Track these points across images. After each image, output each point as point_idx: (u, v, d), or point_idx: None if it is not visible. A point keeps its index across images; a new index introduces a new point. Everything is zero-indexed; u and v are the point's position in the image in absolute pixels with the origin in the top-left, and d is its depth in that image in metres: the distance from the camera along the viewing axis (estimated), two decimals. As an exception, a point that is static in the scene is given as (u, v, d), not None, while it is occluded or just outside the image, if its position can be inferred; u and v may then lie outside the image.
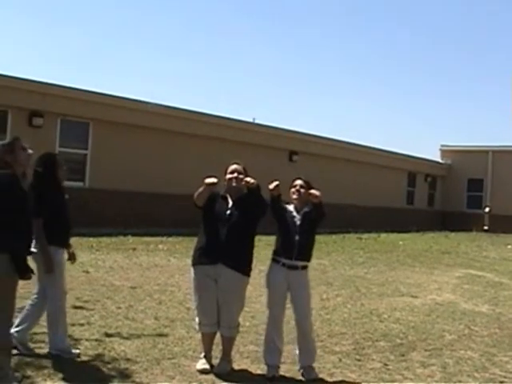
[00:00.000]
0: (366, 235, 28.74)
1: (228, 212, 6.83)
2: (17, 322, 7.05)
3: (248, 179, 6.71)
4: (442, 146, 46.31)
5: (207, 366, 6.83)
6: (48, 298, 7.12)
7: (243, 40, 74.11)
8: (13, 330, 6.86)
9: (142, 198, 24.27)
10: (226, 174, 6.99)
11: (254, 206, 6.81)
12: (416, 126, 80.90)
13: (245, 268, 6.87)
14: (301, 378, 6.84)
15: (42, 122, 21.64)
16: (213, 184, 6.69)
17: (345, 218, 31.97)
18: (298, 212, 6.99)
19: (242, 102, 77.09)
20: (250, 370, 7.02)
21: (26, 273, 5.80)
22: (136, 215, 23.67)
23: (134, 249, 17.50)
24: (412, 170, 41.93)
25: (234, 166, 7.00)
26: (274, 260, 7.01)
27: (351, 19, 78.32)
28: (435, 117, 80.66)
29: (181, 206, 24.04)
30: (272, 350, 6.93)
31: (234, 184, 6.90)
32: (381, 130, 77.12)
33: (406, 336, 9.02)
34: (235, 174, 6.90)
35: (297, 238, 6.87)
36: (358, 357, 7.71)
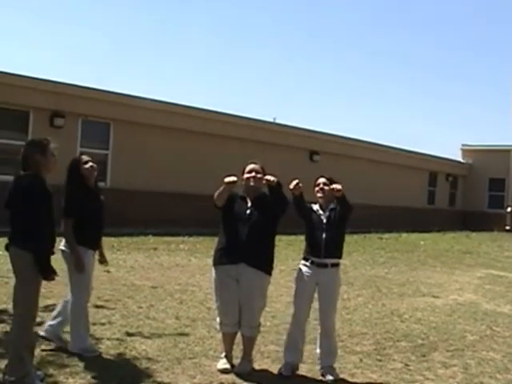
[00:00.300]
0: (387, 235, 28.66)
1: (248, 212, 6.83)
2: (52, 316, 7.24)
3: (268, 177, 6.70)
4: (463, 145, 46.10)
5: (228, 366, 6.84)
6: (72, 297, 7.17)
7: (265, 40, 74.16)
8: (48, 324, 7.16)
9: (163, 197, 24.34)
10: (243, 173, 6.99)
11: (275, 204, 6.80)
12: (437, 126, 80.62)
13: (267, 267, 6.88)
14: (321, 378, 6.83)
15: (63, 122, 21.77)
16: (233, 182, 6.67)
17: (366, 217, 31.89)
18: (323, 210, 6.99)
19: (262, 101, 77.16)
20: (270, 369, 7.02)
21: (49, 274, 5.84)
22: (157, 215, 23.74)
23: (155, 248, 17.56)
24: (433, 170, 41.72)
25: (251, 166, 7.01)
26: (304, 258, 7.02)
27: (372, 19, 78.15)
28: (456, 116, 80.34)
29: (202, 205, 24.03)
30: (293, 348, 6.94)
31: (251, 183, 6.89)
32: (401, 129, 76.93)
33: (428, 336, 8.99)
34: (253, 174, 6.90)
35: (324, 235, 6.86)
36: (379, 357, 7.69)
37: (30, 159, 5.94)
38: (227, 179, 6.66)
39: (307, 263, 6.95)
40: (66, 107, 21.90)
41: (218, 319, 7.04)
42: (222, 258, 6.86)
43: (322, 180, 7.04)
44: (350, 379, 6.84)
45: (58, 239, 6.26)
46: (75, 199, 7.11)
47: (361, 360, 7.53)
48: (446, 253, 22.63)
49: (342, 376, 6.90)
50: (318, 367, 6.94)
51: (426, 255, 21.34)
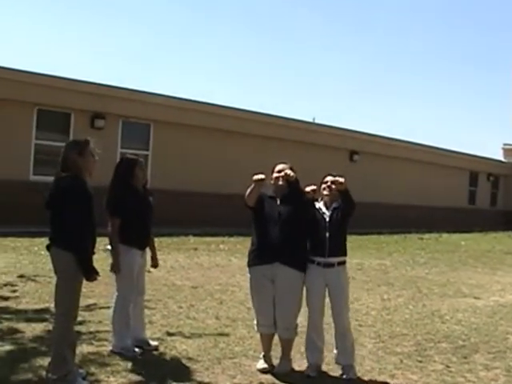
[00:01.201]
0: (427, 235, 28.45)
1: (278, 211, 6.83)
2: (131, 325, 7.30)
3: (288, 171, 6.72)
4: (505, 144, 45.56)
5: (267, 366, 6.86)
6: (116, 296, 7.26)
7: (304, 40, 74.03)
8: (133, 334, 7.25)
9: (203, 198, 24.46)
10: (272, 173, 7.01)
11: (298, 201, 6.82)
12: (478, 125, 79.85)
13: (301, 264, 6.87)
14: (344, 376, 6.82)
15: (104, 123, 21.99)
16: (261, 180, 6.67)
17: (406, 218, 31.76)
18: (327, 208, 6.96)
19: (301, 101, 77.09)
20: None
21: (91, 274, 5.89)
22: (197, 215, 23.85)
23: (196, 249, 17.65)
24: (474, 170, 41.35)
25: (280, 165, 7.02)
26: (308, 260, 6.96)
27: (412, 17, 77.63)
28: (498, 115, 79.53)
29: (242, 205, 24.10)
30: (312, 348, 6.93)
31: (280, 182, 6.88)
32: (441, 129, 76.33)
33: (469, 338, 8.90)
34: (282, 173, 6.86)
35: (327, 234, 6.83)
36: (419, 358, 7.63)
37: (68, 160, 5.99)
38: (255, 177, 6.69)
39: (314, 264, 6.91)
40: (106, 108, 22.11)
41: (255, 320, 7.07)
42: (256, 259, 6.89)
43: (329, 178, 6.95)
44: (390, 380, 6.80)
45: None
46: (122, 199, 7.19)
47: (401, 361, 7.48)
48: (487, 253, 22.39)
49: (382, 377, 6.87)
50: (337, 366, 6.93)
51: (467, 256, 21.14)
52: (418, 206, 34.25)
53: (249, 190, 6.80)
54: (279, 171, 6.94)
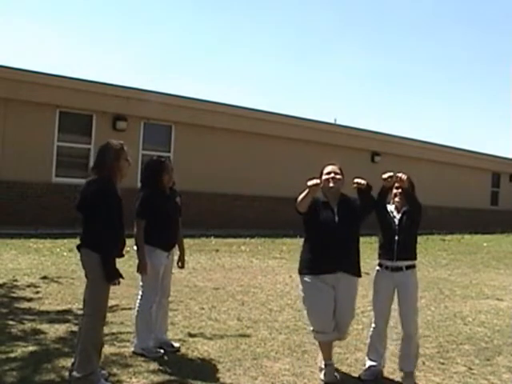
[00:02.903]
0: (449, 237, 28.33)
1: (336, 219, 6.66)
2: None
3: (359, 180, 6.61)
4: (528, 145, 45.21)
5: (336, 376, 6.71)
6: (140, 297, 7.31)
7: (330, 43, 73.98)
8: (155, 335, 7.28)
9: (225, 199, 24.51)
10: (321, 175, 6.81)
11: (363, 207, 6.71)
12: (500, 126, 79.42)
13: (359, 270, 6.81)
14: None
15: (126, 125, 22.08)
16: (316, 185, 6.44)
17: (428, 219, 31.37)
18: (398, 212, 6.92)
19: (323, 102, 77.04)
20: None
21: (112, 277, 5.91)
22: (219, 216, 23.90)
23: (217, 250, 17.68)
24: (496, 171, 41.08)
25: (330, 167, 6.86)
26: (378, 264, 6.95)
27: (433, 19, 77.35)
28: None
29: (264, 207, 24.24)
30: (373, 352, 6.91)
31: (331, 184, 6.71)
32: (464, 130, 76.00)
33: (492, 340, 8.85)
34: (332, 175, 6.74)
35: (396, 237, 6.79)
36: (441, 360, 7.60)
37: (105, 164, 6.02)
38: (310, 182, 6.43)
39: (382, 268, 6.89)
40: (128, 111, 22.21)
41: (310, 328, 6.87)
42: (317, 268, 6.64)
43: (399, 191, 6.88)
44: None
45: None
46: (149, 202, 7.24)
47: (423, 363, 7.44)
48: (510, 255, 22.23)
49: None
50: (398, 371, 6.86)
51: (490, 257, 21.02)
52: (440, 207, 34.10)
53: (302, 196, 6.56)
54: (329, 173, 6.79)
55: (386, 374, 6.98)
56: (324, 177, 6.76)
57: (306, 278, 6.70)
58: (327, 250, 6.60)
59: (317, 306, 6.67)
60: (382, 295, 6.88)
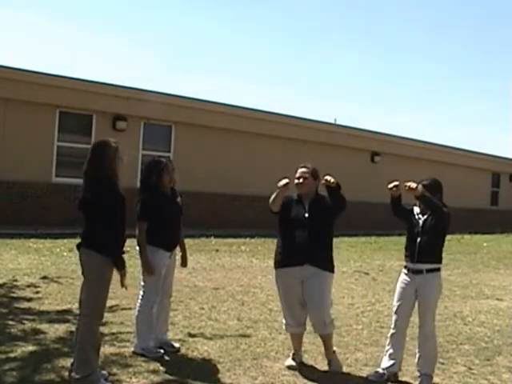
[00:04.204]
0: (449, 236, 27.90)
1: (306, 215, 6.86)
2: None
3: (328, 178, 6.69)
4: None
5: (294, 364, 6.96)
6: (141, 297, 7.31)
7: (330, 42, 74.00)
8: (155, 335, 7.29)
9: (224, 199, 24.51)
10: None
11: (334, 205, 6.83)
12: (499, 126, 79.43)
13: (330, 265, 6.92)
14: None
15: (126, 125, 22.07)
16: (285, 185, 6.69)
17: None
18: (423, 214, 6.90)
19: (322, 103, 77.06)
20: (331, 372, 6.96)
21: (123, 269, 5.94)
22: (218, 217, 23.90)
23: (217, 250, 17.68)
24: (496, 171, 41.05)
25: (300, 170, 7.03)
26: (404, 267, 6.97)
27: (433, 18, 77.39)
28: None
29: (263, 207, 24.11)
30: (389, 354, 6.90)
31: (298, 189, 6.97)
32: (463, 130, 76.03)
33: (492, 340, 8.86)
34: (301, 180, 6.94)
35: (418, 239, 6.79)
36: (441, 360, 7.57)
37: (102, 163, 5.98)
38: (280, 183, 6.71)
39: (405, 270, 6.91)
40: (128, 111, 22.19)
41: (283, 320, 7.11)
42: (285, 261, 6.89)
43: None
44: (412, 382, 6.79)
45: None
46: (150, 204, 7.25)
47: (423, 363, 7.45)
48: (509, 255, 22.22)
49: (404, 379, 6.87)
50: (417, 374, 6.83)
51: (490, 257, 21.02)
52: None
53: (273, 196, 6.81)
54: (298, 177, 6.97)
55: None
56: (295, 181, 6.97)
57: (276, 273, 7.00)
58: (296, 242, 6.79)
59: (285, 300, 6.97)
60: (402, 296, 6.88)
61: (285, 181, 6.69)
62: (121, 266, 5.93)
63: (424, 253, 6.76)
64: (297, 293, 6.83)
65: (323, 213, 6.86)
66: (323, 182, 6.76)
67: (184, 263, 7.90)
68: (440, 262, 6.95)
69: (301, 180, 6.94)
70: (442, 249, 7.00)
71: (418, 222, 6.88)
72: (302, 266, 6.75)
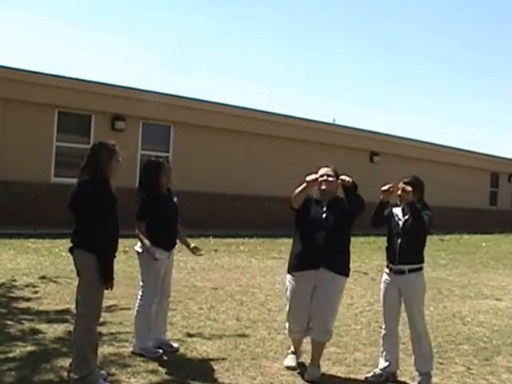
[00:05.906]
0: (448, 236, 28.30)
1: (324, 215, 6.74)
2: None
3: (343, 177, 6.63)
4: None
5: (294, 364, 6.92)
6: (140, 297, 7.30)
7: (330, 43, 73.96)
8: (154, 335, 7.27)
9: (224, 199, 24.50)
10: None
11: (351, 205, 6.71)
12: (499, 126, 79.43)
13: (346, 269, 6.85)
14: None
15: (125, 125, 22.07)
16: (314, 180, 6.57)
17: (426, 219, 31.51)
18: (404, 215, 6.86)
19: (322, 102, 77.04)
20: (330, 372, 6.96)
21: (108, 279, 5.89)
22: (218, 217, 23.89)
23: (216, 250, 17.67)
24: (495, 171, 41.05)
25: (323, 169, 6.92)
26: (386, 266, 6.97)
27: (433, 18, 77.36)
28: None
29: (263, 207, 24.21)
30: (385, 355, 6.89)
31: (323, 187, 6.78)
32: (463, 130, 76.01)
33: (491, 340, 8.85)
34: (324, 177, 6.79)
35: (399, 241, 6.77)
36: (440, 360, 7.58)
37: (99, 163, 5.98)
38: (309, 177, 6.56)
39: (387, 270, 6.91)
40: (127, 111, 22.19)
41: (286, 324, 7.02)
42: (301, 264, 6.75)
43: (403, 196, 6.70)
44: (411, 382, 6.79)
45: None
46: (148, 204, 7.23)
47: (422, 363, 7.44)
48: (508, 255, 22.22)
49: (403, 379, 6.86)
50: (416, 373, 6.82)
51: (489, 257, 21.02)
52: (438, 207, 33.90)
53: (298, 190, 6.67)
54: (322, 175, 6.83)
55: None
56: (319, 179, 6.79)
57: (290, 277, 6.84)
58: (313, 244, 6.67)
59: (293, 306, 6.82)
60: (388, 297, 6.89)
61: (314, 176, 6.59)
62: (108, 280, 5.89)
63: (405, 254, 6.75)
64: (307, 299, 6.69)
65: (341, 214, 6.74)
66: (339, 181, 6.71)
67: (197, 250, 7.87)
68: (422, 261, 6.94)
69: (330, 178, 6.80)
70: (423, 249, 6.98)
71: (398, 224, 6.84)
72: (318, 269, 6.62)
